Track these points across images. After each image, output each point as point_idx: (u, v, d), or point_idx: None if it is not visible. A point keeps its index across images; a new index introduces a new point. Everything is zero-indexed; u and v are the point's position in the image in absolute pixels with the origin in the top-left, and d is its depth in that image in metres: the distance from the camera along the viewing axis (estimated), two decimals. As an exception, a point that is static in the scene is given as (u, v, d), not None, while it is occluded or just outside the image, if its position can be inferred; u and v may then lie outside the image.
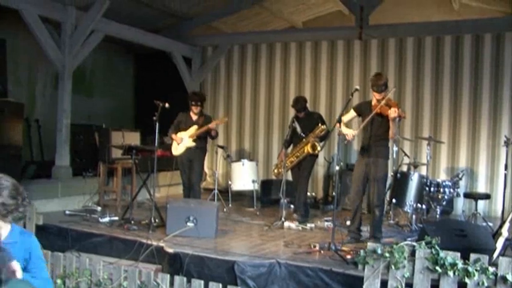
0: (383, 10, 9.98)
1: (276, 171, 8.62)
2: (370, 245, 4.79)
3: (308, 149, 8.05)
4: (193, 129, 8.34)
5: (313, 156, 8.27)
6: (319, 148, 8.06)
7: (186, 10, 10.97)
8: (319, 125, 8.11)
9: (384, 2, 9.81)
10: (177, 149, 8.39)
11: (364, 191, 6.86)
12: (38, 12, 8.36)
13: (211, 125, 8.29)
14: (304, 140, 8.12)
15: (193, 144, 8.31)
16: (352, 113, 6.98)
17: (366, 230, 7.16)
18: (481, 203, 9.01)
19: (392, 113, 6.34)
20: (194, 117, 8.47)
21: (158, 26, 11.31)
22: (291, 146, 8.50)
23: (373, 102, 6.65)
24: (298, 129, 8.16)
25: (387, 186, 9.06)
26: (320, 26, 11.57)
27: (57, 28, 8.90)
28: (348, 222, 7.20)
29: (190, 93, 8.99)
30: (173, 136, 8.39)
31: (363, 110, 6.82)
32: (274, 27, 12.09)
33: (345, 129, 6.72)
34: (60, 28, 8.89)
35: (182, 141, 8.31)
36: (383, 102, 6.46)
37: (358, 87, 6.77)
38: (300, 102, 8.39)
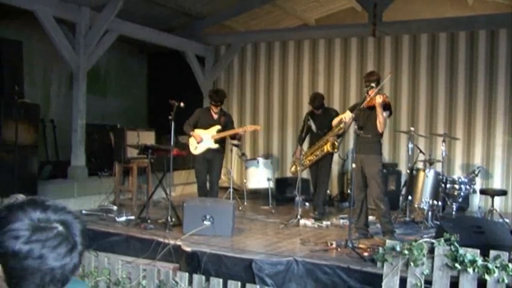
0: (396, 7, 9.94)
1: (293, 169, 8.62)
2: (389, 242, 4.79)
3: (328, 147, 8.04)
4: (214, 130, 8.20)
5: (331, 154, 8.28)
6: (336, 146, 8.07)
7: (199, 9, 10.99)
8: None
9: (397, -1, 9.78)
10: (197, 148, 8.23)
11: (365, 187, 6.88)
12: (53, 13, 8.42)
13: (240, 130, 8.26)
14: (324, 138, 8.11)
15: (215, 145, 8.19)
16: (348, 114, 7.02)
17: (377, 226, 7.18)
18: (497, 200, 8.94)
19: (378, 98, 6.41)
20: (215, 116, 8.32)
21: (171, 25, 11.34)
22: (306, 143, 8.50)
23: (367, 100, 6.71)
24: (313, 126, 8.16)
25: (402, 183, 9.10)
26: (333, 23, 11.54)
27: (71, 29, 8.96)
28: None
29: (211, 92, 8.79)
30: (192, 133, 8.20)
31: (355, 106, 6.88)
32: (287, 25, 12.08)
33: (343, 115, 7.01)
34: (75, 29, 8.94)
35: (202, 141, 8.16)
36: (374, 93, 6.52)
37: (373, 84, 6.74)
38: (317, 99, 8.38)
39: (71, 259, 1.40)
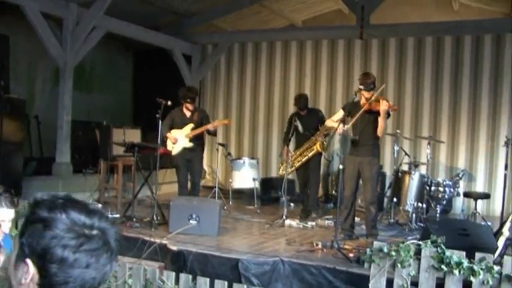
0: (383, 10, 10.00)
1: (281, 170, 8.59)
2: (376, 243, 4.82)
3: (318, 147, 8.07)
4: (188, 128, 8.12)
5: (320, 155, 8.33)
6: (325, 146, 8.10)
7: (186, 7, 10.97)
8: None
9: (384, 2, 9.83)
10: (174, 149, 8.18)
11: (357, 190, 6.92)
12: (40, 8, 8.34)
13: (210, 126, 8.16)
14: (311, 138, 8.14)
15: (190, 144, 8.11)
16: (340, 113, 7.02)
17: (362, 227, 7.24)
18: (480, 203, 9.04)
19: (383, 105, 6.44)
20: (188, 114, 8.22)
21: (159, 23, 11.30)
22: (292, 144, 8.53)
23: (362, 101, 6.72)
24: (300, 127, 8.20)
25: (387, 185, 9.16)
26: (320, 24, 11.58)
27: (58, 25, 8.89)
28: None
29: (184, 89, 8.53)
30: (168, 135, 8.09)
31: (351, 109, 6.85)
32: (275, 25, 12.09)
33: (332, 123, 7.03)
34: (62, 25, 8.88)
35: (177, 141, 8.10)
36: (373, 98, 6.55)
37: (362, 87, 6.76)
38: (302, 100, 8.43)
39: (110, 267, 1.37)
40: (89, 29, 9.02)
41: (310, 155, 8.18)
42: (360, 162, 6.71)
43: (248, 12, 11.50)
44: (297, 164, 8.33)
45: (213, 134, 8.65)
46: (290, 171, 8.33)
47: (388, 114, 6.74)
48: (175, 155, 8.25)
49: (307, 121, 8.25)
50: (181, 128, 8.17)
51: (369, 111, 6.59)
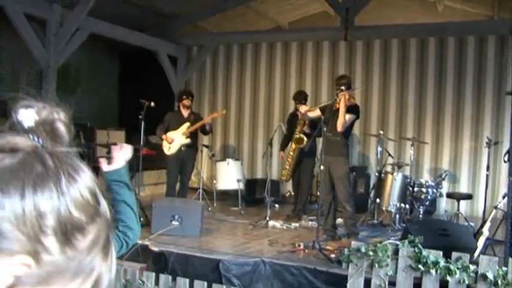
0: (368, 12, 10.03)
1: (284, 177, 8.58)
2: (354, 243, 4.85)
3: (294, 144, 8.09)
4: (185, 127, 8.28)
5: (312, 158, 8.34)
6: (304, 142, 8.01)
7: (172, 9, 10.96)
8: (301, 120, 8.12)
9: (369, 4, 9.87)
10: (170, 149, 8.29)
11: (333, 189, 6.94)
12: (23, 9, 8.29)
13: (207, 119, 8.33)
14: (295, 136, 8.17)
15: (187, 140, 8.27)
16: (318, 111, 7.13)
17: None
18: (463, 203, 9.09)
19: (342, 98, 6.60)
20: (185, 114, 8.44)
21: (144, 24, 11.27)
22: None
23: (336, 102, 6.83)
24: (284, 128, 8.26)
25: (371, 185, 9.19)
26: (306, 26, 11.62)
27: (42, 26, 8.85)
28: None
29: (181, 90, 8.97)
30: (163, 136, 8.29)
31: (326, 107, 6.94)
32: (260, 27, 12.11)
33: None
34: (45, 26, 8.84)
35: (174, 141, 8.23)
36: (341, 96, 6.66)
37: (343, 87, 6.81)
38: (302, 95, 8.51)
39: None
40: (72, 30, 8.97)
41: (294, 154, 8.19)
42: (330, 162, 6.76)
43: (233, 14, 11.51)
44: (288, 167, 8.33)
45: (209, 131, 8.72)
46: (288, 174, 8.35)
47: (355, 115, 6.87)
48: (172, 155, 8.30)
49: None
50: (177, 128, 8.31)
51: (337, 110, 6.71)
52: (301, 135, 8.05)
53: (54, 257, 0.71)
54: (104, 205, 0.82)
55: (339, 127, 6.66)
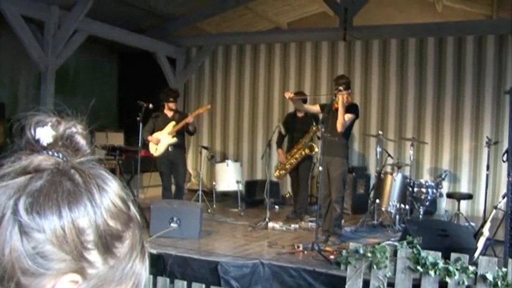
0: (367, 12, 10.01)
1: (277, 173, 8.58)
2: (352, 245, 4.82)
3: (306, 150, 8.06)
4: (170, 126, 8.13)
5: (310, 158, 8.33)
6: (316, 149, 8.01)
7: (170, 10, 10.94)
8: (313, 124, 8.06)
9: (367, 4, 9.85)
10: (158, 149, 8.16)
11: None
12: (21, 11, 8.27)
13: (189, 118, 8.13)
14: (301, 141, 8.11)
15: (174, 140, 8.12)
16: (317, 107, 7.21)
17: (349, 230, 7.24)
18: (464, 203, 9.06)
19: (340, 97, 6.60)
20: (170, 114, 8.29)
21: (142, 26, 11.26)
22: (286, 146, 8.55)
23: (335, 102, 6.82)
24: (282, 129, 8.23)
25: (371, 186, 9.17)
26: (305, 27, 11.59)
27: (40, 28, 8.82)
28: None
29: (167, 90, 8.71)
30: (149, 138, 8.12)
31: (325, 106, 6.94)
32: (259, 28, 12.09)
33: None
34: (43, 28, 8.81)
35: (160, 141, 8.10)
36: (339, 97, 6.65)
37: (341, 88, 6.80)
38: (301, 95, 8.44)
39: None
40: (70, 32, 8.95)
41: (300, 158, 8.17)
42: (328, 162, 6.76)
43: (232, 15, 11.50)
44: (289, 167, 8.32)
45: (193, 131, 8.58)
46: (283, 174, 8.34)
47: (354, 115, 6.88)
48: (159, 157, 8.20)
49: (302, 123, 8.22)
50: (162, 129, 8.18)
51: (336, 110, 6.70)
52: (313, 144, 8.04)
53: (99, 269, 0.74)
54: (133, 208, 0.84)
55: (339, 127, 6.65)
